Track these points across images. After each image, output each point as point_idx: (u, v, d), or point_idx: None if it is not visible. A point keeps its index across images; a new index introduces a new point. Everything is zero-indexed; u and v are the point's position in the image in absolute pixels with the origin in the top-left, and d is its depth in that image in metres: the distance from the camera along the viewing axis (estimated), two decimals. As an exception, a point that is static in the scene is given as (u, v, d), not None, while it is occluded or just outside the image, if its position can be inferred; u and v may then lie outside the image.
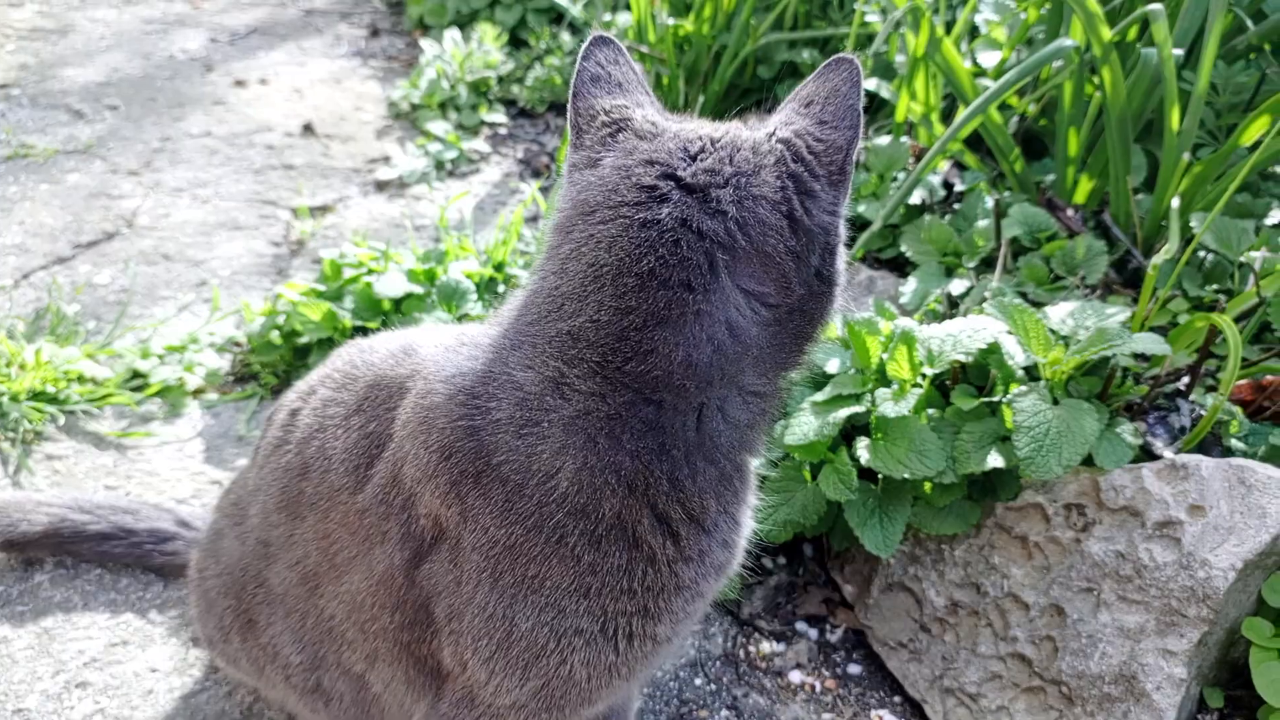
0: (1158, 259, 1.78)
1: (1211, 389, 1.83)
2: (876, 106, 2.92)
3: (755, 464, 1.19)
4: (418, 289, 2.40)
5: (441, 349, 1.19)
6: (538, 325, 1.08)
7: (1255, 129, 2.08)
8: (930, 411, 1.80)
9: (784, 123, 1.10)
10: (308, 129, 3.62)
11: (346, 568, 1.26)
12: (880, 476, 1.80)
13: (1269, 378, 1.79)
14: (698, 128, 1.10)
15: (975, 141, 2.67)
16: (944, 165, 2.57)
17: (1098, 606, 1.57)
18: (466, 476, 1.09)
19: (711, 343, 1.03)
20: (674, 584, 1.12)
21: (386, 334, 1.41)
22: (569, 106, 1.16)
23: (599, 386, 1.05)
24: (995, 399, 1.74)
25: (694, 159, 1.05)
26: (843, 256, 1.12)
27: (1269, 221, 2.38)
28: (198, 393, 2.42)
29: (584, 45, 1.17)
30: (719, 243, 1.02)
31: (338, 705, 1.45)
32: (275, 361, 2.46)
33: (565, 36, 3.89)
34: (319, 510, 1.27)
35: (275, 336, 2.45)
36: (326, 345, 2.37)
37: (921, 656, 1.77)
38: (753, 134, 1.09)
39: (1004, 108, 2.55)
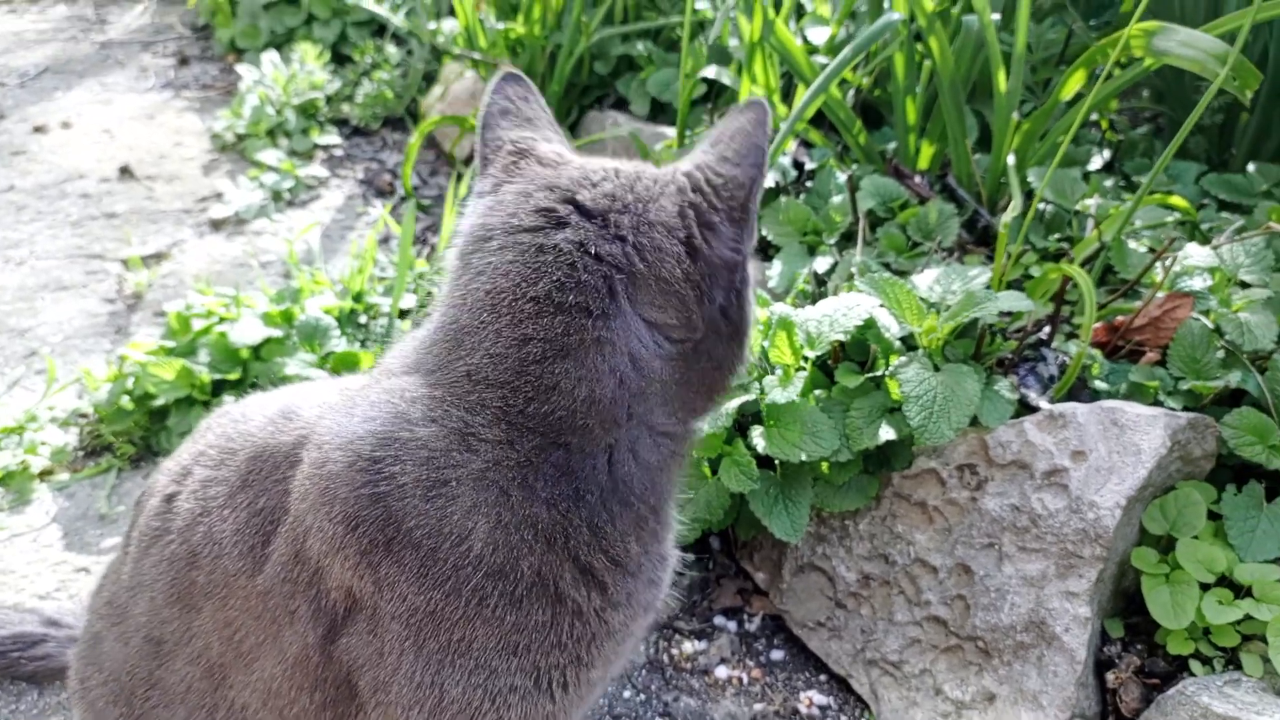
0: (1006, 218, 1.86)
1: (1071, 335, 1.93)
2: (717, 93, 2.95)
3: (672, 511, 1.18)
4: (276, 332, 2.27)
5: (329, 410, 1.13)
6: (438, 372, 1.04)
7: (1073, 83, 2.20)
8: (818, 393, 1.83)
9: (690, 159, 1.10)
10: (125, 171, 3.38)
11: (255, 654, 1.17)
12: (778, 463, 1.82)
13: (1119, 318, 1.90)
14: (604, 161, 1.09)
15: (818, 118, 2.73)
16: (791, 145, 2.62)
17: (1001, 560, 1.64)
18: (376, 546, 1.03)
19: (615, 374, 1.01)
20: (604, 631, 1.10)
21: (257, 398, 1.32)
22: (477, 139, 1.15)
23: (505, 434, 1.01)
24: (878, 373, 1.78)
25: (595, 185, 1.04)
26: (752, 304, 1.13)
27: (1091, 167, 2.53)
28: (45, 474, 2.24)
29: (493, 80, 1.16)
30: (616, 266, 1.00)
31: None
32: (130, 429, 2.29)
33: (390, 49, 3.76)
34: (216, 598, 1.18)
35: (126, 402, 2.28)
36: (185, 405, 2.22)
37: (841, 633, 1.80)
38: (658, 169, 1.09)
39: (840, 83, 2.61)
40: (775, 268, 2.27)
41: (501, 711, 1.08)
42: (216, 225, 3.15)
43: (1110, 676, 1.57)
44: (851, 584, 1.81)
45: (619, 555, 1.07)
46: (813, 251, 2.30)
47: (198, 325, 2.33)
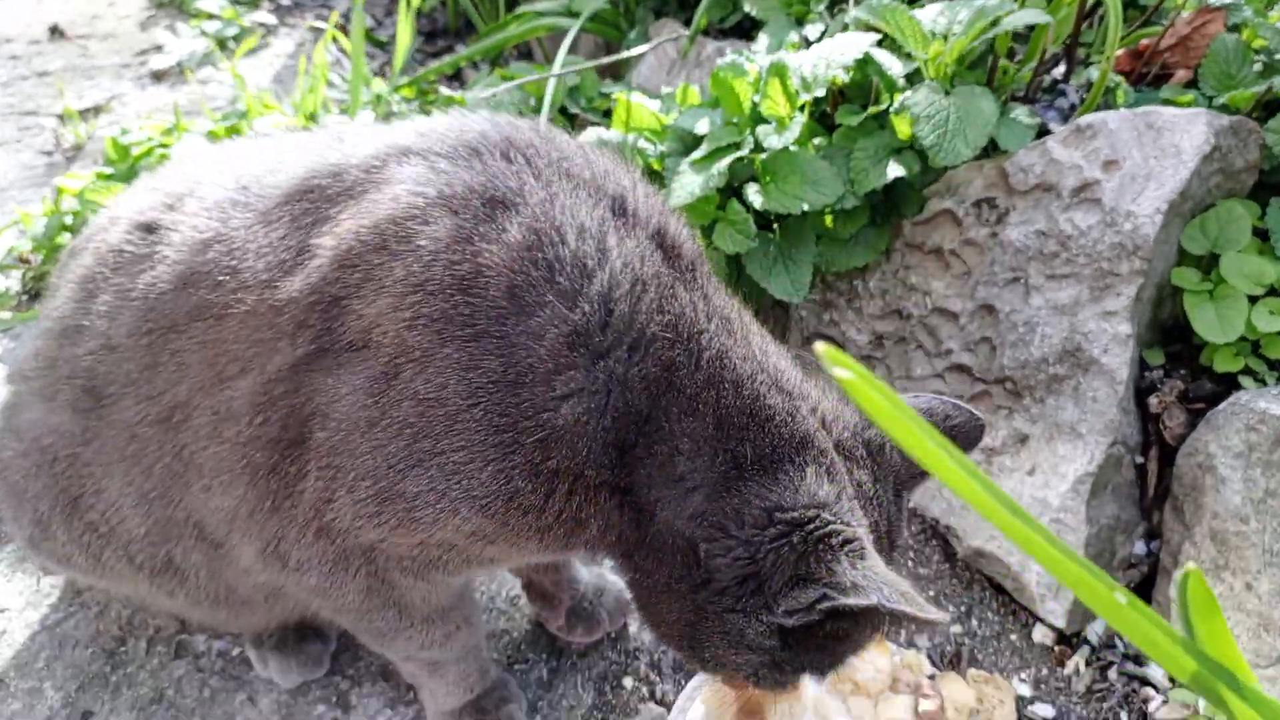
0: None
1: (1090, 65, 1.75)
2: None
3: None
4: (223, 150, 2.08)
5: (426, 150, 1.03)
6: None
7: None
8: (817, 141, 1.66)
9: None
10: (56, 31, 3.14)
11: (235, 377, 1.03)
12: (776, 223, 1.66)
13: (1144, 42, 1.73)
14: None
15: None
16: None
17: (1028, 293, 1.49)
18: (460, 324, 0.93)
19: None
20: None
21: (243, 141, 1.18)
22: None
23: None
24: (883, 107, 1.61)
25: None
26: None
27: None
28: (-13, 318, 2.07)
29: None
30: None
31: (194, 582, 1.22)
32: (73, 265, 2.11)
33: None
34: (212, 316, 1.04)
35: (65, 238, 2.10)
36: (129, 230, 2.04)
37: (856, 400, 1.66)
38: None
39: None
40: (761, 42, 2.07)
41: (447, 523, 1.00)
42: (158, 77, 2.93)
43: (1153, 401, 1.44)
44: (864, 346, 1.66)
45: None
46: (800, 22, 2.11)
47: (136, 151, 2.13)
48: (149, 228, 1.14)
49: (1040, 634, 1.43)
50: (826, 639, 0.96)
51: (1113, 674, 1.38)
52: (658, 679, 1.39)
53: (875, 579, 0.88)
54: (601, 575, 1.46)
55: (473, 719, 1.28)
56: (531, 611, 1.47)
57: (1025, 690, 1.37)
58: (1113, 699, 1.35)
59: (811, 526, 0.91)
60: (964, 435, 1.06)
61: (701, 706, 1.29)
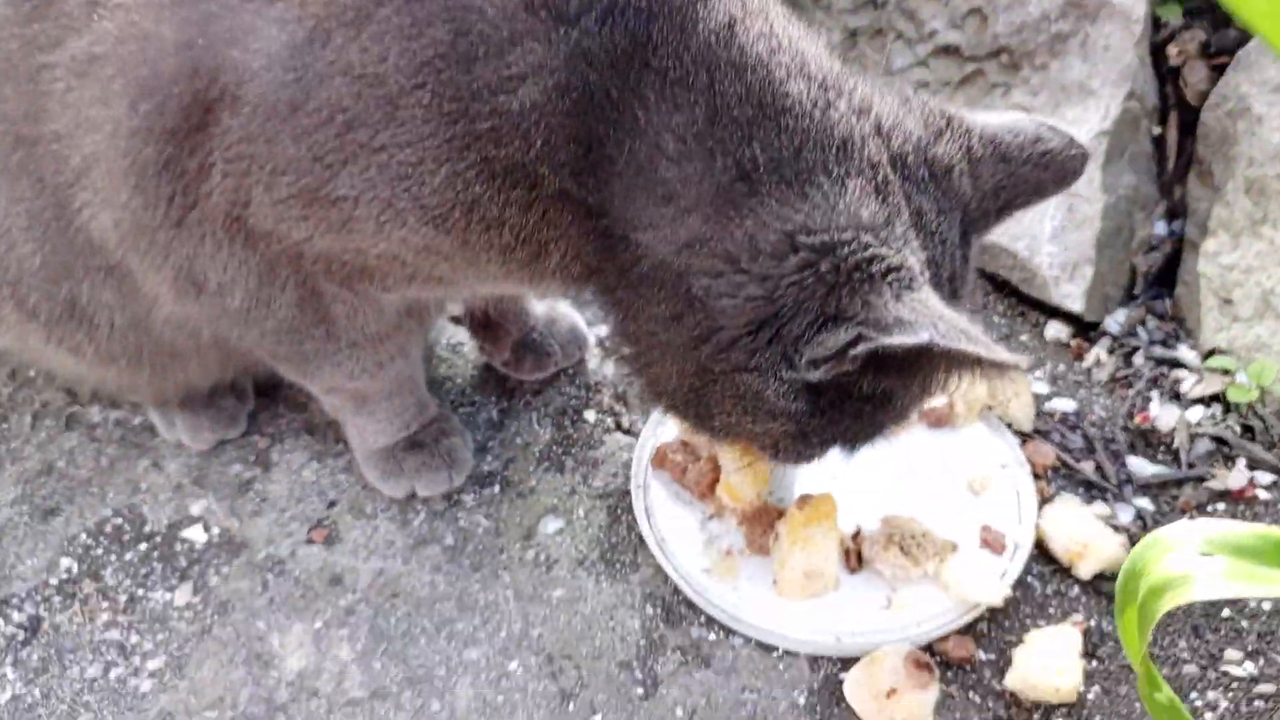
0: None
1: None
2: None
3: None
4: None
5: None
6: None
7: None
8: None
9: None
10: None
11: (114, 46, 0.86)
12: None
13: None
14: None
15: None
16: None
17: (1021, -54, 1.28)
18: None
19: None
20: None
21: None
22: None
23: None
24: None
25: None
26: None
27: None
28: None
29: None
30: None
31: (105, 332, 1.03)
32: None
33: None
34: None
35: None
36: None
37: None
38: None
39: None
40: None
41: (388, 230, 0.83)
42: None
43: (1172, 51, 1.25)
44: (836, 46, 1.46)
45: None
46: None
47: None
48: None
49: (1054, 330, 1.27)
50: (865, 402, 0.77)
51: (1138, 359, 1.22)
52: (623, 410, 1.22)
53: (927, 313, 0.68)
54: (553, 306, 1.27)
55: (405, 455, 1.11)
56: (476, 357, 1.29)
57: (1042, 388, 1.21)
58: (1139, 384, 1.19)
59: (846, 251, 0.70)
60: (1058, 166, 0.82)
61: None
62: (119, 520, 1.13)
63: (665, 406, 0.86)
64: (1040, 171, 0.81)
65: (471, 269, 0.88)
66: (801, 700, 0.94)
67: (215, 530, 1.11)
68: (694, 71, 0.74)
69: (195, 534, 1.11)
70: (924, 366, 0.71)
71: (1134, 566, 0.64)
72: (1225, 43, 1.26)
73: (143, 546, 1.10)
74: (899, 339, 0.66)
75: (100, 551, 1.10)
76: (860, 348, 0.68)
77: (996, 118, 0.83)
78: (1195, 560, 0.61)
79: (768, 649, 0.98)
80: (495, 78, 0.75)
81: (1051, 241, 1.22)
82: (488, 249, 0.84)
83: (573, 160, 0.76)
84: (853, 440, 0.82)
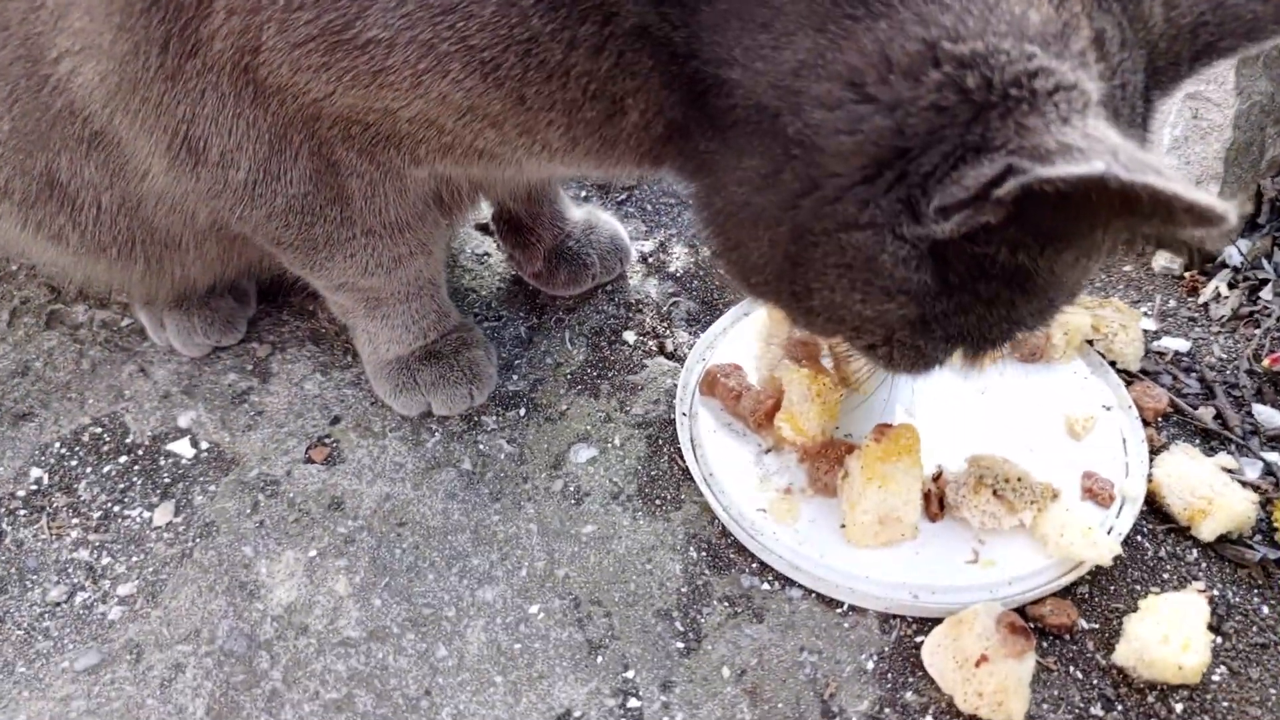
0: None
1: None
2: None
3: None
4: None
5: None
6: None
7: None
8: None
9: None
10: None
11: None
12: None
13: None
14: None
15: None
16: None
17: None
18: None
19: None
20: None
21: None
22: None
23: None
24: None
25: None
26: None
27: None
28: None
29: None
30: None
31: (90, 215, 0.91)
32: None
33: None
34: None
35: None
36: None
37: None
38: None
39: None
40: None
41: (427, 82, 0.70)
42: None
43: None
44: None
45: None
46: None
47: None
48: None
49: (1163, 261, 1.11)
50: (1002, 283, 0.61)
51: (1266, 294, 1.05)
52: (668, 332, 1.07)
53: (1101, 140, 0.51)
54: (592, 212, 1.12)
55: (421, 367, 0.97)
56: (505, 270, 1.15)
57: (1149, 325, 1.05)
58: (1269, 322, 1.03)
59: (1003, 60, 0.54)
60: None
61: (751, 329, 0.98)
62: (98, 429, 1.00)
63: (756, 287, 0.71)
64: (1259, 4, 0.62)
65: (525, 138, 0.74)
66: (870, 665, 0.80)
67: (204, 445, 0.98)
68: None
69: (181, 448, 0.98)
70: (1088, 219, 0.54)
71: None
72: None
73: (122, 459, 0.98)
74: (1063, 169, 0.50)
75: (75, 463, 0.97)
76: (1010, 183, 0.51)
77: None
78: None
79: (831, 604, 0.83)
80: None
81: (1171, 152, 1.05)
82: (548, 108, 0.70)
83: None
84: (981, 338, 0.66)
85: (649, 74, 0.66)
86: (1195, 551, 0.87)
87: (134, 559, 0.90)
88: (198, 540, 0.90)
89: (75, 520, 0.93)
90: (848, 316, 0.65)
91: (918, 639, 0.80)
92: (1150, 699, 0.77)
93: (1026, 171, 0.51)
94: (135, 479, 0.96)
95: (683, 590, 0.85)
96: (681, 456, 0.93)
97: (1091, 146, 0.50)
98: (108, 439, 1.00)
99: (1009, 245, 0.57)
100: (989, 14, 0.55)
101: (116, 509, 0.94)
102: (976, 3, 0.55)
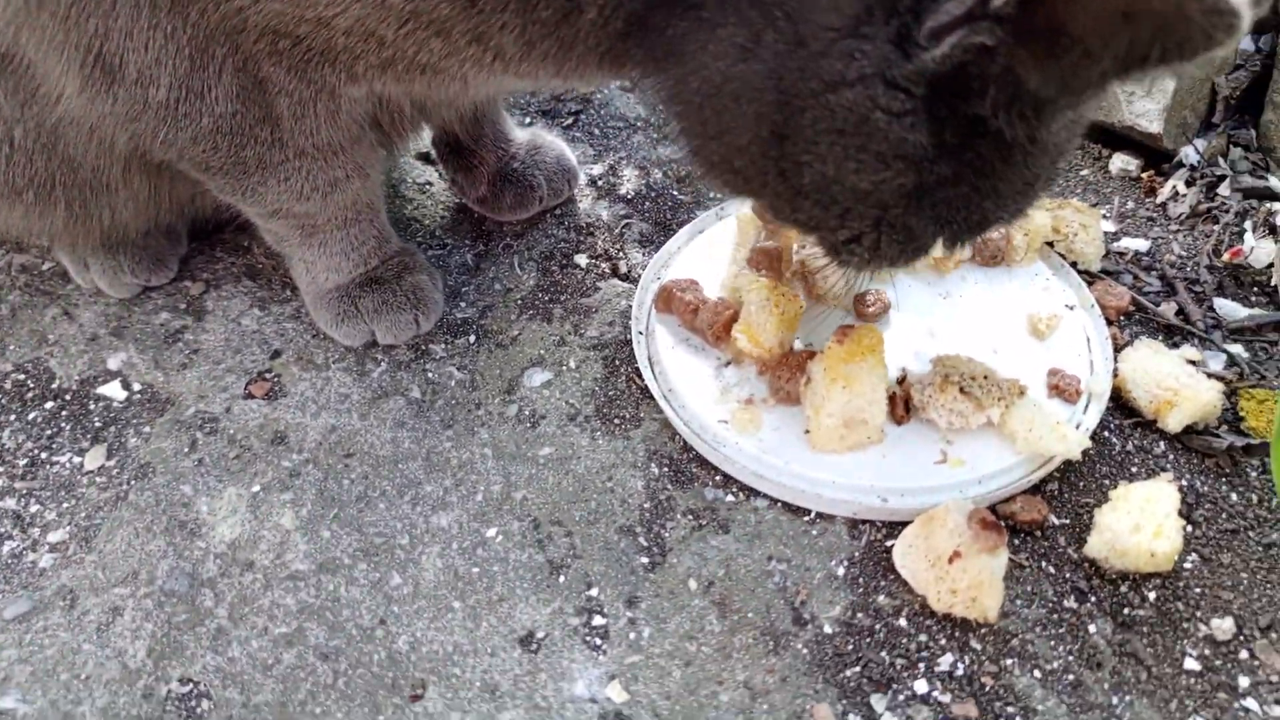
0: None
1: None
2: None
3: None
4: None
5: None
6: None
7: None
8: None
9: None
10: None
11: None
12: None
13: None
14: None
15: None
16: None
17: None
18: None
19: None
20: None
21: None
22: None
23: None
24: None
25: None
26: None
27: None
28: None
29: None
30: None
31: (3, 152, 0.85)
32: None
33: None
34: None
35: None
36: None
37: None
38: None
39: None
40: None
41: None
42: None
43: None
44: None
45: None
46: None
47: None
48: None
49: (1120, 163, 1.09)
50: (1001, 140, 0.59)
51: (1224, 189, 1.04)
52: (620, 253, 1.04)
53: None
54: (538, 133, 1.08)
55: (362, 294, 0.93)
56: (448, 198, 1.10)
57: (1108, 226, 1.03)
58: (1227, 217, 1.01)
59: None
60: None
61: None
62: (20, 376, 0.95)
63: (741, 174, 0.67)
64: None
65: (475, 45, 0.69)
66: (840, 571, 0.78)
67: (136, 386, 0.93)
68: None
69: (112, 390, 0.93)
70: (1091, 31, 0.50)
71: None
72: None
73: (49, 405, 0.92)
74: None
75: (-3, 411, 0.92)
76: None
77: None
78: None
79: (798, 512, 0.81)
80: None
81: (1127, 50, 1.03)
82: (501, 9, 0.65)
83: None
84: (966, 219, 0.64)
85: None
86: (1163, 444, 0.85)
87: (64, 505, 0.85)
88: (133, 482, 0.86)
89: (0, 469, 0.88)
90: (840, 194, 0.62)
91: (888, 543, 0.78)
92: (1123, 589, 0.76)
93: None
94: (63, 424, 0.91)
95: (645, 506, 0.82)
96: (639, 375, 0.90)
97: None
98: (31, 385, 0.94)
99: (1003, 99, 0.54)
100: None
101: (44, 455, 0.88)
102: None
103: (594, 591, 0.77)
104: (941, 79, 0.56)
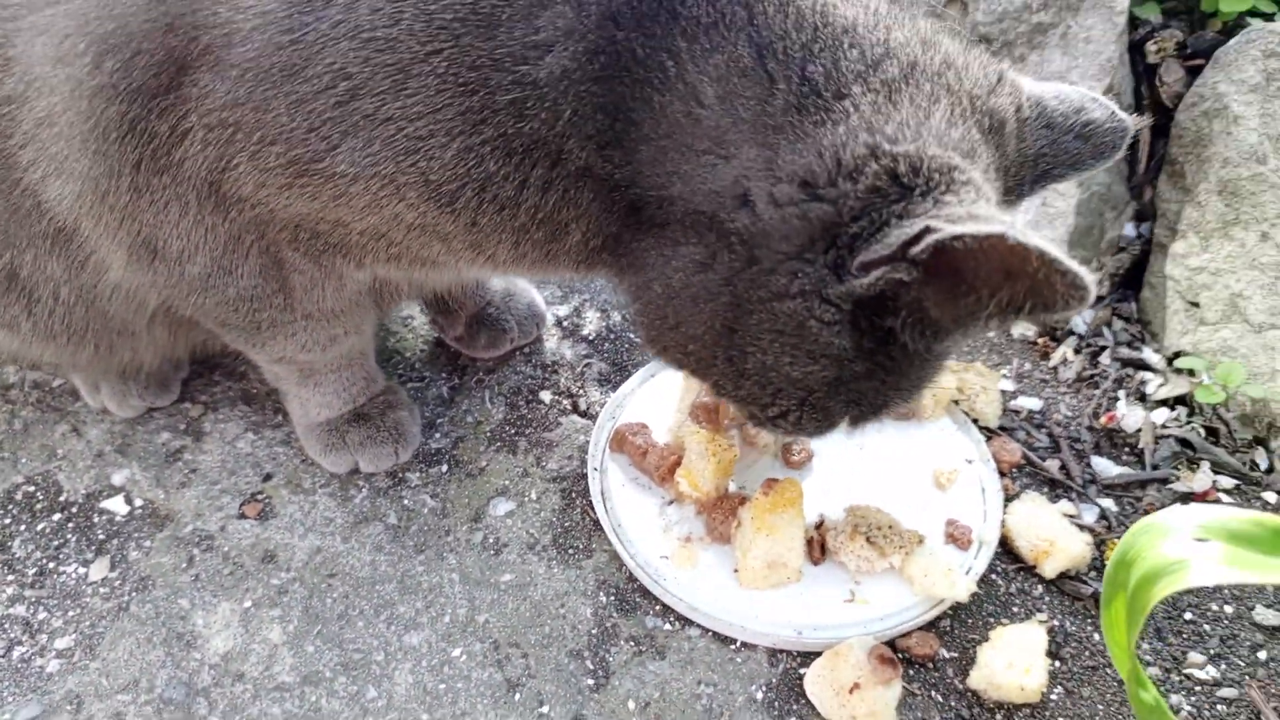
0: None
1: None
2: None
3: None
4: None
5: None
6: None
7: None
8: None
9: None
10: None
11: None
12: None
13: None
14: None
15: None
16: None
17: (1002, -63, 1.26)
18: None
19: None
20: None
21: None
22: None
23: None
24: None
25: None
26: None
27: None
28: None
29: None
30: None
31: (47, 306, 0.96)
32: None
33: None
34: None
35: None
36: None
37: None
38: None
39: None
40: None
41: (385, 204, 0.79)
42: None
43: (1150, 48, 1.24)
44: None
45: None
46: None
47: None
48: None
49: (1020, 328, 1.25)
50: (903, 352, 0.73)
51: (1105, 359, 1.20)
52: (581, 391, 1.17)
53: (1001, 216, 0.63)
54: (511, 281, 1.22)
55: (349, 428, 1.04)
56: (428, 332, 1.23)
57: (1009, 385, 1.19)
58: (1105, 384, 1.17)
59: (929, 159, 0.66)
60: (1099, 139, 0.78)
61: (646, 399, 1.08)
62: (31, 488, 1.05)
63: (693, 356, 0.80)
64: (1080, 143, 0.77)
65: (471, 251, 0.83)
66: (759, 695, 0.90)
67: (138, 502, 1.04)
68: (728, 11, 0.69)
69: (116, 505, 1.03)
70: (983, 281, 0.64)
71: (1125, 554, 0.61)
72: (1201, 45, 1.25)
73: (56, 517, 1.02)
74: (971, 227, 0.60)
75: (8, 521, 1.02)
76: (926, 240, 0.62)
77: (1041, 83, 0.79)
78: (1191, 546, 0.58)
79: (726, 641, 0.93)
80: (520, 45, 0.70)
81: (1023, 236, 1.19)
82: (498, 230, 0.79)
83: (599, 132, 0.72)
84: (873, 403, 0.78)
85: (590, 203, 0.76)
86: (1040, 587, 0.99)
87: (70, 613, 0.94)
88: (134, 594, 0.96)
89: (10, 577, 0.97)
90: (775, 378, 0.75)
91: (801, 671, 0.91)
92: (998, 717, 0.89)
93: (940, 230, 0.61)
94: (69, 535, 1.01)
95: (593, 632, 0.93)
96: (593, 508, 1.02)
97: (993, 216, 0.62)
98: (41, 497, 1.04)
99: (910, 321, 0.69)
100: (921, 127, 0.67)
101: (52, 565, 0.98)
102: (912, 118, 0.67)
103: (545, 709, 0.88)
104: (865, 300, 0.69)
